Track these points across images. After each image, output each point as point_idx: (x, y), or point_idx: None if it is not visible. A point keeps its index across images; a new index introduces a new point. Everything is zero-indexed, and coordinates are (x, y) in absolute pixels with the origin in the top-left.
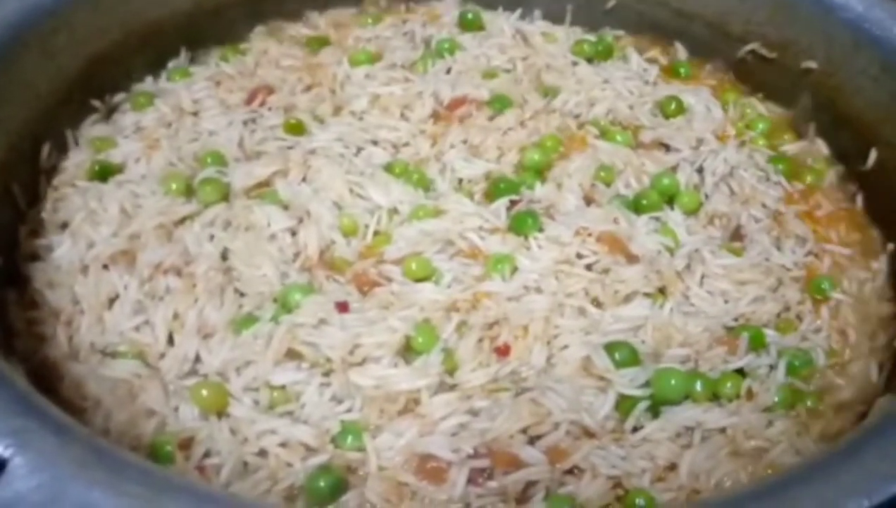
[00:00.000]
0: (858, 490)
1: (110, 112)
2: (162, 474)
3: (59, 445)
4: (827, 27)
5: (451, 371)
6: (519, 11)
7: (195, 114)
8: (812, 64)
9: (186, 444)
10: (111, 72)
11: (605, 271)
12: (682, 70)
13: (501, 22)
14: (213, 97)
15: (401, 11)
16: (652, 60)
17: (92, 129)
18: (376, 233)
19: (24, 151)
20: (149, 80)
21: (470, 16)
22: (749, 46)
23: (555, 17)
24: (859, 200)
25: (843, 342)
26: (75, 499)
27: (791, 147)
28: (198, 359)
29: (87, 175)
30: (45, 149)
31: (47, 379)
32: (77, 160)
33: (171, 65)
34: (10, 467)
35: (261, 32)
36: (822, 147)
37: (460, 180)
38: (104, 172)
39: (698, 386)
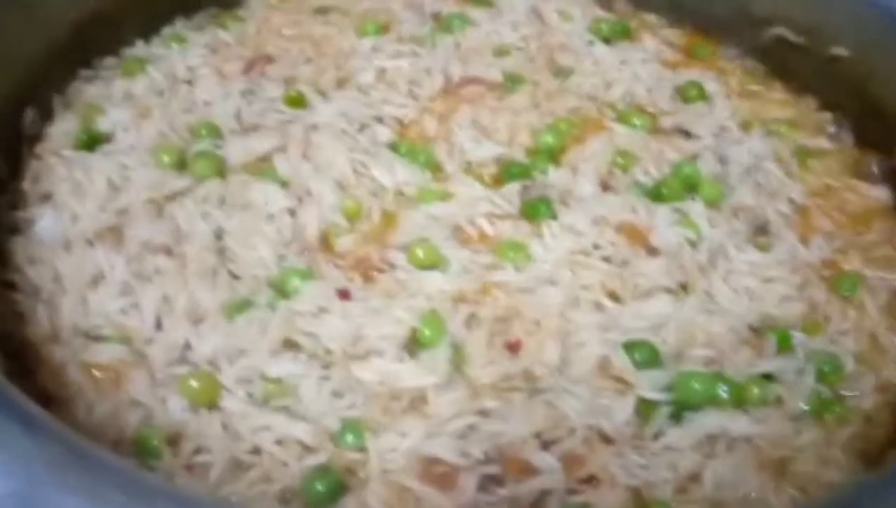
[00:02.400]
0: None
1: (99, 78)
2: (146, 478)
3: (33, 445)
4: (858, 12)
5: (459, 367)
6: None
7: (189, 82)
8: (841, 50)
9: (174, 439)
10: (100, 35)
11: (624, 263)
12: (700, 51)
13: None
14: (209, 65)
15: None
16: (670, 42)
17: (79, 95)
18: (380, 216)
19: (5, 118)
20: (140, 44)
21: None
22: (774, 30)
23: None
24: (889, 194)
25: (871, 346)
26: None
27: (818, 138)
28: (188, 346)
29: (72, 144)
30: (29, 115)
31: (26, 363)
32: (62, 128)
33: (164, 29)
34: None
35: None
36: (850, 138)
37: (469, 163)
38: (91, 142)
39: (723, 391)
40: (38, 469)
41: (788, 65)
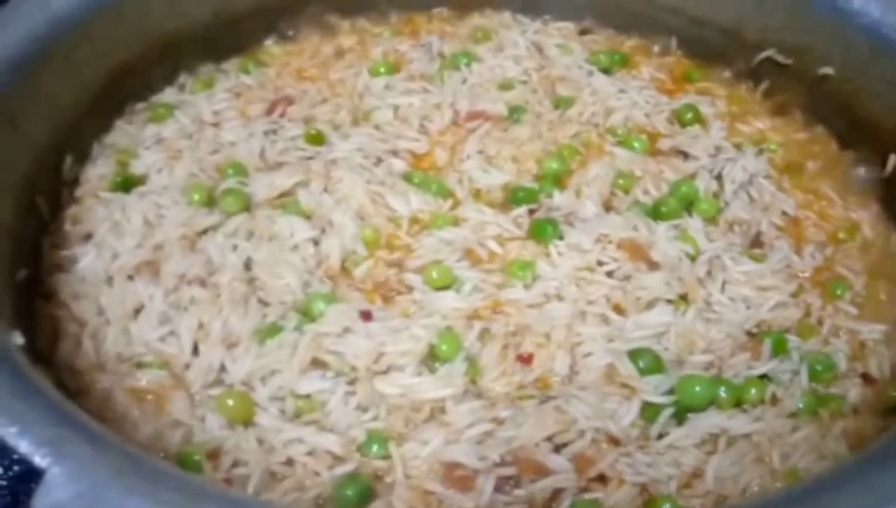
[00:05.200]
0: (893, 495)
1: (131, 124)
2: (197, 482)
3: (95, 453)
4: (843, 33)
5: (474, 379)
6: (536, 24)
7: (216, 125)
8: (829, 70)
9: (214, 454)
10: (132, 83)
11: (627, 277)
12: (694, 76)
13: (516, 35)
14: (233, 108)
15: (419, 23)
16: (666, 68)
17: (113, 141)
18: (397, 242)
19: (47, 164)
20: (168, 91)
21: (479, 35)
22: (764, 53)
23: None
24: (877, 206)
25: (861, 346)
26: (114, 507)
27: (807, 153)
28: (223, 369)
29: (109, 186)
30: (68, 161)
31: (74, 391)
32: (99, 172)
33: (191, 76)
34: (48, 476)
35: (279, 44)
36: (839, 153)
37: (478, 190)
38: (126, 184)
39: (723, 393)
40: (101, 475)
41: (778, 85)
